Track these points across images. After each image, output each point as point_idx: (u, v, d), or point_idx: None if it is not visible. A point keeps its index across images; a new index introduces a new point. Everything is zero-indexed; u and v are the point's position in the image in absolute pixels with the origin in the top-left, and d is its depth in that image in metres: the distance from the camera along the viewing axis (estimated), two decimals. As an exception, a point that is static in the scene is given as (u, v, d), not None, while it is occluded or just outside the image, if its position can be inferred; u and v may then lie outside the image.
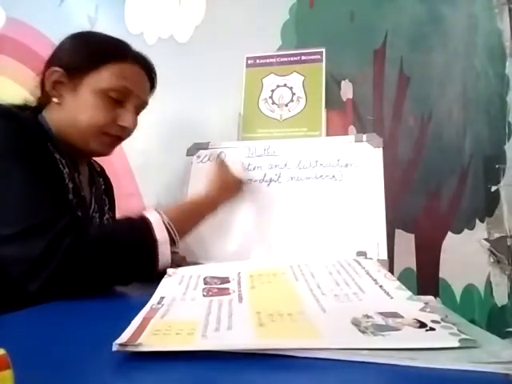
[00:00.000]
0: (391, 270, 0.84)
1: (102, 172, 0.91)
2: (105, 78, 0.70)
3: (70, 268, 0.53)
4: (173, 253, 0.62)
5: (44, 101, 0.73)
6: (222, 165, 0.84)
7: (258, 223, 0.83)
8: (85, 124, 0.70)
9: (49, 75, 0.70)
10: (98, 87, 0.70)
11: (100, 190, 0.85)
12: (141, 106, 0.78)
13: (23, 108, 0.73)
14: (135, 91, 0.73)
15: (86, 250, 0.55)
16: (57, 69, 0.70)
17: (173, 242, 0.62)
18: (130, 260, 0.58)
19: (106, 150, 0.76)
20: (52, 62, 0.72)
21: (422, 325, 0.35)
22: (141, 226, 0.61)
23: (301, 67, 1.00)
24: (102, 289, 0.56)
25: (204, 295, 0.47)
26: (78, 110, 0.70)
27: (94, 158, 0.88)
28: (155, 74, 0.81)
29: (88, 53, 0.71)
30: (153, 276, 0.58)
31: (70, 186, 0.67)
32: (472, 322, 0.41)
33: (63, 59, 0.71)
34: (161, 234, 0.61)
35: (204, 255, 0.73)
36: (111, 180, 0.93)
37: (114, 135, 0.73)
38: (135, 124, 0.76)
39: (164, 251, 0.60)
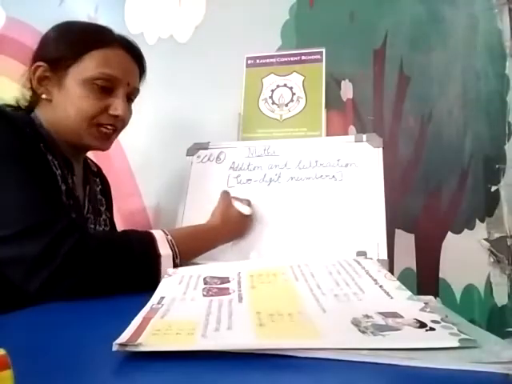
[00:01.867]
0: (391, 270, 0.84)
1: (98, 172, 0.89)
2: (89, 67, 0.68)
3: (71, 270, 0.53)
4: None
5: (34, 98, 0.72)
6: (226, 197, 0.81)
7: (257, 223, 0.83)
8: (75, 117, 0.68)
9: (33, 71, 0.69)
10: (83, 77, 0.68)
11: (94, 190, 0.83)
12: (132, 93, 0.75)
13: (17, 108, 0.72)
14: (123, 78, 0.70)
15: (90, 255, 0.55)
16: (40, 63, 0.69)
17: (174, 261, 0.62)
18: (132, 270, 0.58)
19: (103, 144, 0.73)
20: (36, 57, 0.70)
21: (422, 325, 0.35)
22: (145, 239, 0.61)
23: (301, 67, 1.00)
24: (100, 294, 0.54)
25: (204, 295, 0.47)
26: (66, 103, 0.69)
27: (91, 158, 0.87)
28: (143, 58, 0.77)
29: (69, 43, 0.69)
30: (153, 288, 0.57)
31: (63, 187, 0.66)
32: (472, 322, 0.41)
33: (46, 53, 0.70)
34: (164, 249, 0.61)
35: (204, 255, 0.73)
36: (111, 180, 0.92)
37: (107, 125, 0.71)
38: (127, 112, 0.73)
39: (166, 266, 0.60)
